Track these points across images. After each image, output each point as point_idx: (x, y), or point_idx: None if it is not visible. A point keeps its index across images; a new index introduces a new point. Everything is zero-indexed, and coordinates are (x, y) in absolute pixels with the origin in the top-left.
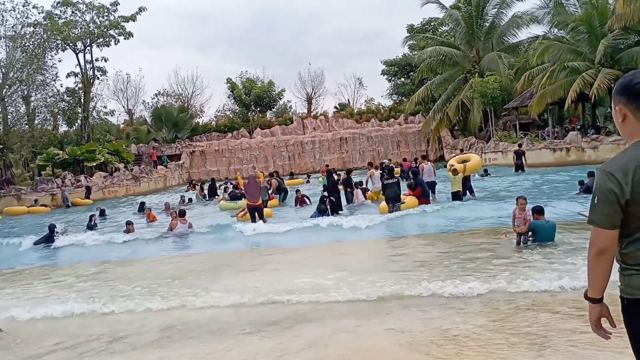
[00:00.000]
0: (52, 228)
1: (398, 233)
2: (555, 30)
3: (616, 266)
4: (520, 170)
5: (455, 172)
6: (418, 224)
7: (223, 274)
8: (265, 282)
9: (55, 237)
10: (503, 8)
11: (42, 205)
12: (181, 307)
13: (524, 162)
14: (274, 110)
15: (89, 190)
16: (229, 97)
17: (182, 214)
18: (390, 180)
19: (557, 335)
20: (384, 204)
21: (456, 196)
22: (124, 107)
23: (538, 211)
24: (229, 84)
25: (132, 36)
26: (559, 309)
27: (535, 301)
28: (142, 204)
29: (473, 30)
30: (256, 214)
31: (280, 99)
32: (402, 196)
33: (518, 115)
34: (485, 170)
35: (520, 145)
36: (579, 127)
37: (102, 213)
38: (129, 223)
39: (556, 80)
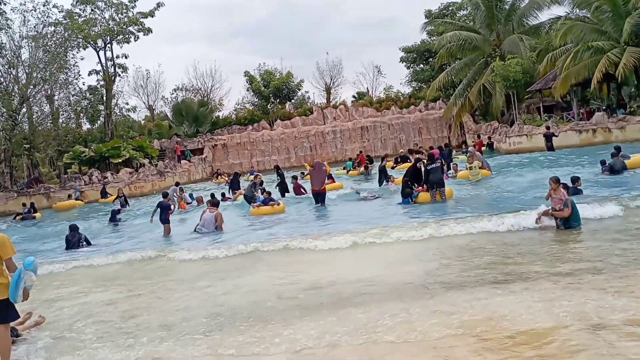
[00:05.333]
0: (74, 227)
1: (428, 217)
2: (578, 10)
3: None
4: (551, 151)
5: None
6: (456, 208)
7: (261, 264)
8: (305, 271)
9: (81, 243)
10: None
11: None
12: (223, 294)
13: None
14: (293, 101)
15: (104, 189)
16: (247, 90)
17: (214, 204)
18: (434, 165)
19: (611, 316)
20: (423, 194)
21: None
22: (144, 103)
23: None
24: (247, 77)
25: (151, 32)
26: (609, 288)
27: (584, 279)
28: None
29: (493, 14)
30: (319, 198)
31: (299, 89)
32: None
33: (542, 98)
34: None
35: (548, 128)
36: (604, 107)
37: (123, 205)
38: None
39: (580, 60)
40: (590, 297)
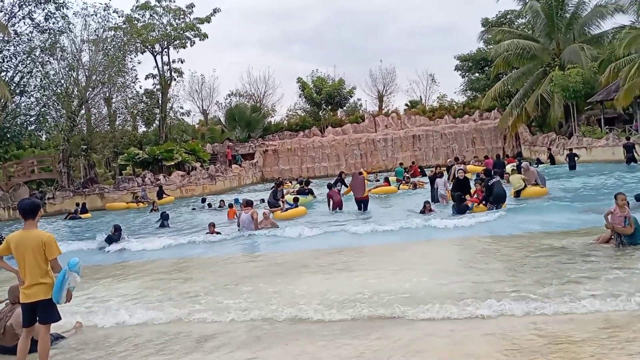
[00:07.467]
0: (117, 227)
1: (489, 233)
2: None
3: None
4: (632, 163)
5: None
6: (509, 224)
7: (303, 275)
8: (348, 283)
9: (120, 238)
10: None
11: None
12: (266, 306)
13: (635, 154)
14: (344, 108)
15: (161, 190)
16: (300, 96)
17: (248, 203)
18: (495, 180)
19: None
20: (481, 206)
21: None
22: (198, 107)
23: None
24: (299, 83)
25: (207, 37)
26: None
27: None
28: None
29: (553, 22)
30: (362, 205)
31: (350, 97)
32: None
33: (603, 110)
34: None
35: (628, 139)
36: None
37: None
38: (211, 225)
39: None
40: None
